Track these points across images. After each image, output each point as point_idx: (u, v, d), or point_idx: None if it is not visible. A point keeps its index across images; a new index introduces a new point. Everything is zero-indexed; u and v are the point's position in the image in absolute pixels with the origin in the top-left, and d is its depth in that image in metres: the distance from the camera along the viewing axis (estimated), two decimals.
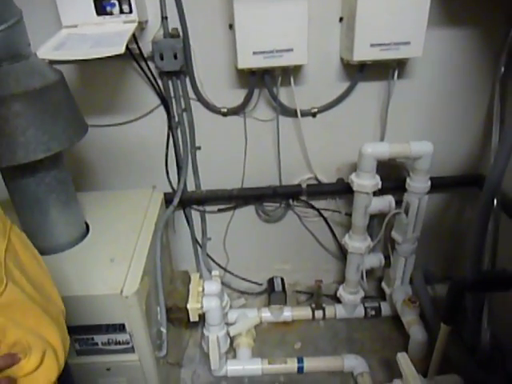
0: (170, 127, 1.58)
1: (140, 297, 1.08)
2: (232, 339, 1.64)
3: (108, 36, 1.21)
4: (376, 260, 1.77)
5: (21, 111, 0.93)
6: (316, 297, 1.80)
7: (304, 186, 1.69)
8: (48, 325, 0.60)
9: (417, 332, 1.56)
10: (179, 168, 1.66)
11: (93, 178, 1.69)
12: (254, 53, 1.31)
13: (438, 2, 1.37)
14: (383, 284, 1.84)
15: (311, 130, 1.60)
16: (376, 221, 1.73)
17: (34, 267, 0.66)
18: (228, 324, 1.65)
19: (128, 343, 1.14)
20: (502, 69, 1.45)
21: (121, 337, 1.13)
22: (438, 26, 1.42)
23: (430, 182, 1.52)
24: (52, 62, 1.12)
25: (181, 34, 1.40)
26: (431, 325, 1.54)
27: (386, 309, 1.81)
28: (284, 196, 1.75)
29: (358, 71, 1.47)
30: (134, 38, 1.35)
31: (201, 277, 1.52)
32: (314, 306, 1.81)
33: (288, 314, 1.80)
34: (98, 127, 1.55)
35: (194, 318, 1.39)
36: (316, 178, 1.71)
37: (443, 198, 1.79)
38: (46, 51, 1.14)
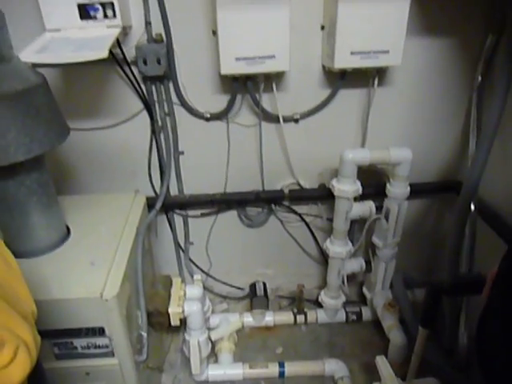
0: (153, 132, 1.59)
1: (120, 300, 1.08)
2: (214, 344, 1.64)
3: (91, 40, 1.21)
4: (357, 265, 1.79)
5: (2, 113, 0.93)
6: (298, 302, 1.81)
7: (286, 191, 1.71)
8: (19, 322, 0.61)
9: (396, 336, 1.58)
10: (162, 172, 1.66)
11: (75, 181, 1.68)
12: (237, 59, 1.33)
13: (416, 12, 1.41)
14: (364, 289, 1.86)
15: (293, 136, 1.62)
16: (357, 226, 1.75)
17: (3, 271, 0.66)
18: (210, 329, 1.65)
19: (107, 347, 1.14)
20: (479, 78, 1.49)
21: (100, 341, 1.12)
22: (417, 36, 1.46)
23: (409, 188, 1.55)
24: (35, 65, 1.12)
25: (164, 39, 1.41)
26: (410, 329, 1.56)
27: (367, 313, 1.83)
28: (266, 201, 1.76)
29: (339, 78, 1.50)
30: (118, 43, 1.36)
31: (183, 281, 1.52)
32: (295, 310, 1.82)
33: (270, 318, 1.81)
34: (81, 131, 1.55)
35: (175, 322, 1.39)
36: (298, 183, 1.73)
37: (422, 203, 1.83)
38: (28, 54, 1.14)
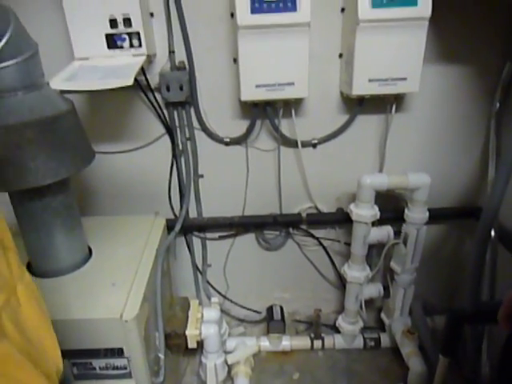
0: (173, 155, 1.63)
1: (139, 321, 1.09)
2: (230, 368, 1.63)
3: (117, 68, 1.26)
4: (375, 290, 1.77)
5: (32, 138, 0.98)
6: (315, 326, 1.79)
7: (304, 214, 1.72)
8: (39, 381, 0.61)
9: (416, 364, 1.55)
10: (182, 195, 1.69)
11: (97, 202, 1.72)
12: (257, 86, 1.36)
13: (433, 39, 1.43)
14: (382, 315, 1.84)
15: (311, 161, 1.64)
16: (375, 251, 1.75)
17: (35, 321, 0.66)
18: (226, 352, 1.64)
19: (125, 368, 1.15)
20: (497, 104, 1.50)
21: (119, 361, 1.13)
22: (435, 63, 1.48)
23: (428, 213, 1.54)
24: (63, 92, 1.17)
25: (187, 66, 1.46)
26: (430, 357, 1.54)
27: (385, 340, 1.80)
28: (284, 224, 1.77)
29: (357, 105, 1.52)
30: (142, 70, 1.41)
31: (200, 303, 1.53)
32: (312, 335, 1.80)
33: (287, 343, 1.79)
34: (105, 154, 1.60)
35: (192, 344, 1.39)
36: (316, 207, 1.74)
37: (442, 229, 1.81)
38: (58, 82, 1.19)
